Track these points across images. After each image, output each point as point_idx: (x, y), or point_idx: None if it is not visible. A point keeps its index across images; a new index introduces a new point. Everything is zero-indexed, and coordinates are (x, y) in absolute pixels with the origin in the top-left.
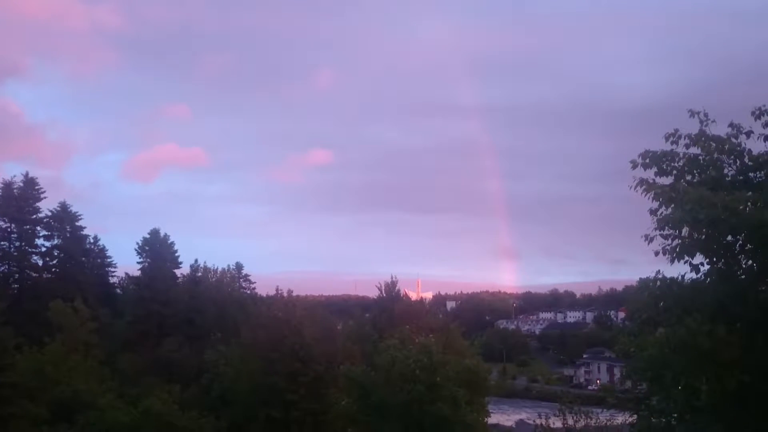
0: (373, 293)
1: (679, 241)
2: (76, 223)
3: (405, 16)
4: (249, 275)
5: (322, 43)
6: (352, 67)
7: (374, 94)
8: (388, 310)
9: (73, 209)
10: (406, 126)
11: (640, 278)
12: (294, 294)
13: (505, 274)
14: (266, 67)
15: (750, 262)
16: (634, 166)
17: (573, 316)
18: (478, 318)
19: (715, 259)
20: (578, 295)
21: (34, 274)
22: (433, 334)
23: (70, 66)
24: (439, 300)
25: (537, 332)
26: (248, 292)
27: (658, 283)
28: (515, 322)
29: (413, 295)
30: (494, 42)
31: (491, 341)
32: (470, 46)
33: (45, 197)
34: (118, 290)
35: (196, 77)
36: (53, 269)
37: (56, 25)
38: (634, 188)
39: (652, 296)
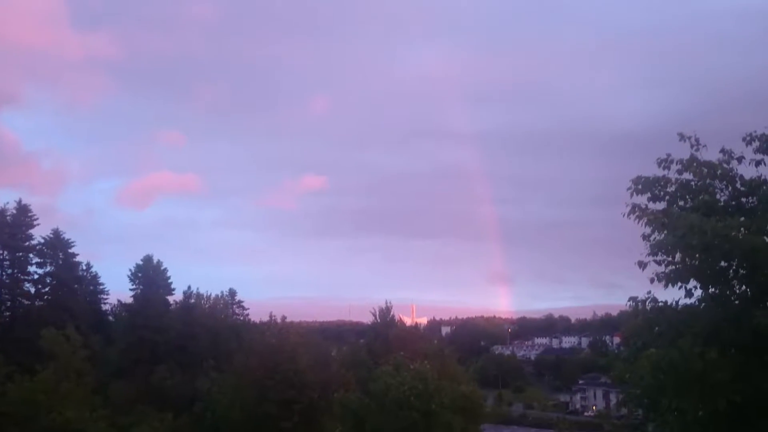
0: (367, 319)
1: (673, 266)
2: (69, 250)
3: (399, 43)
4: (242, 301)
5: (316, 71)
6: (347, 93)
7: (368, 121)
8: (383, 336)
9: (67, 236)
10: (401, 152)
11: (631, 297)
12: (288, 320)
13: (499, 299)
14: (260, 94)
15: (743, 287)
16: (631, 193)
17: (568, 342)
18: (473, 343)
19: (708, 285)
20: (573, 320)
21: (26, 302)
22: (428, 360)
23: (66, 94)
24: (434, 325)
25: (532, 358)
26: (242, 318)
27: (649, 306)
28: (510, 348)
29: (408, 321)
30: (488, 69)
31: (487, 367)
32: (464, 73)
33: (38, 224)
34: (111, 317)
35: (190, 104)
36: (45, 296)
37: (52, 55)
38: (627, 216)
39: (645, 321)
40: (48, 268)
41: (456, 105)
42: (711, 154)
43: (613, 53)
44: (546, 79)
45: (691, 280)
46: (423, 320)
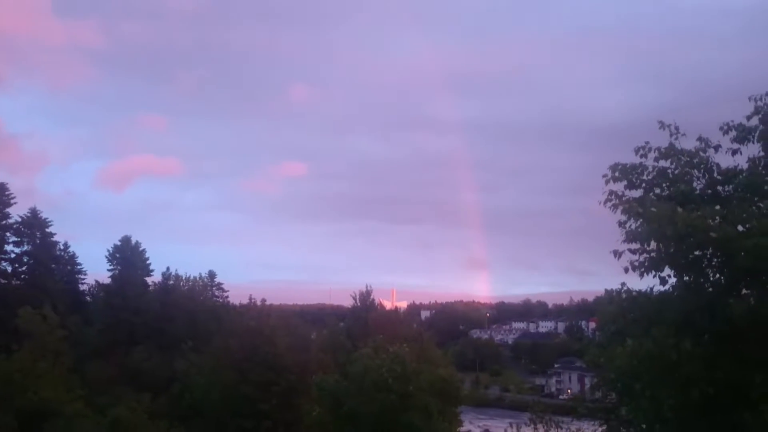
0: (348, 302)
1: (647, 255)
2: (47, 230)
3: (384, 32)
4: (222, 284)
5: (298, 58)
6: (329, 81)
7: (351, 108)
8: (363, 320)
9: (44, 216)
10: (383, 139)
11: (606, 289)
12: (267, 303)
13: (479, 285)
14: (241, 80)
15: (718, 275)
16: (607, 181)
17: (545, 326)
18: (452, 328)
19: (682, 273)
20: (550, 305)
21: (3, 281)
22: (407, 344)
23: (48, 79)
24: (414, 310)
25: (510, 342)
26: (221, 300)
27: (624, 295)
28: (489, 332)
29: (388, 305)
30: (471, 59)
31: (465, 351)
32: (447, 62)
33: (15, 203)
34: (88, 298)
35: (172, 89)
36: (22, 276)
37: (35, 40)
38: (604, 203)
39: (619, 308)
40: (25, 247)
41: (440, 94)
42: (689, 145)
43: (595, 47)
44: (529, 70)
45: (666, 268)
46: (403, 304)
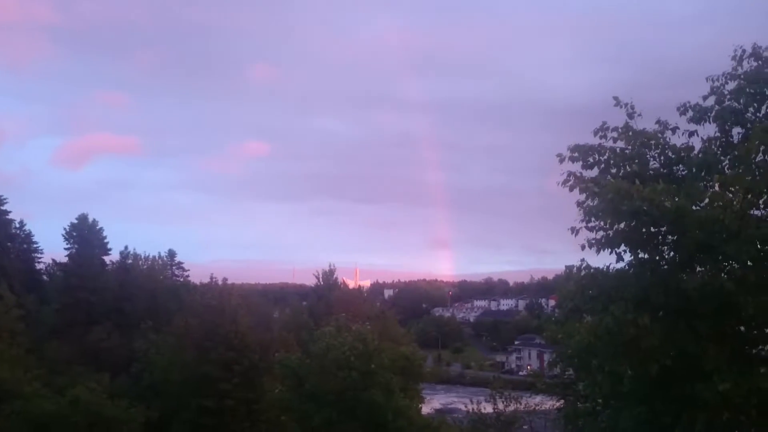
0: (311, 282)
1: (603, 232)
2: (2, 207)
3: (346, 9)
4: (182, 263)
5: (260, 36)
6: (291, 59)
7: (314, 87)
8: (325, 298)
9: None
10: (347, 119)
11: (566, 266)
12: (229, 282)
13: (441, 263)
14: (202, 58)
15: (672, 252)
16: (561, 160)
17: (506, 304)
18: (414, 306)
19: (638, 250)
20: (511, 284)
21: None
22: (370, 322)
23: (5, 55)
24: (377, 288)
25: (471, 320)
26: (181, 280)
27: (583, 272)
28: (451, 310)
29: (351, 284)
30: (436, 39)
31: (427, 329)
32: (411, 42)
33: None
34: (45, 277)
35: (132, 67)
36: None
37: None
38: (562, 184)
39: (578, 285)
40: None
41: (403, 74)
42: (646, 124)
43: (558, 28)
44: (492, 51)
45: (622, 245)
46: (366, 283)
